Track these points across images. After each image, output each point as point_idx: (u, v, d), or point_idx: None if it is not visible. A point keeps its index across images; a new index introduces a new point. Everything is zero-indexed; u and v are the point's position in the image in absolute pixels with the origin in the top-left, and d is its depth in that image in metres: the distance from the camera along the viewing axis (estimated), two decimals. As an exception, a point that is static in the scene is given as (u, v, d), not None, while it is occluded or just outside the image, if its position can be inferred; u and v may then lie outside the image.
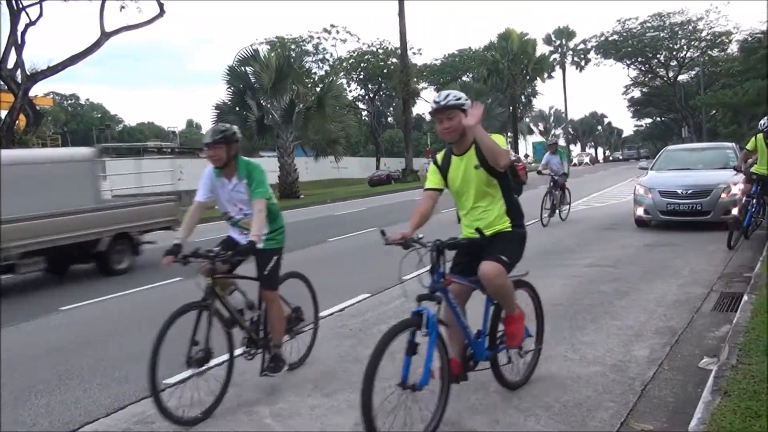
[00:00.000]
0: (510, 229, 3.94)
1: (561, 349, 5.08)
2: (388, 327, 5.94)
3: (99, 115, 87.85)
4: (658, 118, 77.82)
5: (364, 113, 61.13)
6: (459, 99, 3.75)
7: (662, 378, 4.34)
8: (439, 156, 4.10)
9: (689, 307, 6.18)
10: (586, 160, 72.72)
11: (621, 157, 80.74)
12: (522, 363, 4.35)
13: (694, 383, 4.15)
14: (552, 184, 13.85)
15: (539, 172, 14.96)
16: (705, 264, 8.31)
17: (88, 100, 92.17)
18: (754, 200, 9.38)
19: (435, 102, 3.79)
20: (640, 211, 12.11)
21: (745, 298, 5.68)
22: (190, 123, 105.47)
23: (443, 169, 4.02)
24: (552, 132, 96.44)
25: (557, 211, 13.98)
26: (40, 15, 24.19)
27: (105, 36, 24.49)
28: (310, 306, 5.28)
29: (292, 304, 5.04)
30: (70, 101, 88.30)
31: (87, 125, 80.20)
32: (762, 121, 9.44)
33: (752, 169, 9.53)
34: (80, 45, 52.07)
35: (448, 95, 3.77)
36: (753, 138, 9.72)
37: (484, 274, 3.76)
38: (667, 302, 6.42)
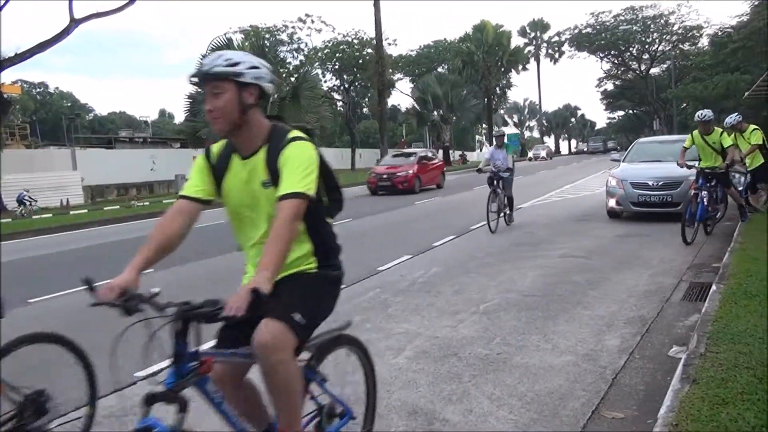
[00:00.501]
0: (314, 271, 2.65)
1: (534, 339, 5.12)
2: (362, 318, 5.97)
3: (69, 104, 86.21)
4: (631, 111, 78.71)
5: (340, 104, 60.84)
6: (234, 64, 2.39)
7: (633, 367, 4.40)
8: (216, 147, 2.66)
9: (659, 296, 6.28)
10: (543, 153, 62.89)
11: (586, 150, 76.30)
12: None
13: (664, 371, 4.22)
14: (496, 182, 11.92)
15: (479, 171, 13.06)
16: (675, 254, 8.44)
17: (57, 88, 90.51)
18: (704, 192, 9.28)
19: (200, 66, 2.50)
20: (612, 203, 12.25)
21: (714, 287, 5.77)
22: (162, 113, 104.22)
23: (218, 171, 2.61)
24: (526, 124, 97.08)
25: (503, 214, 12.15)
26: (7, 0, 23.61)
27: (74, 23, 23.99)
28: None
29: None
30: (38, 89, 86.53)
31: (56, 114, 78.64)
32: (697, 114, 9.63)
33: (699, 165, 9.56)
34: (49, 32, 51.00)
35: (217, 57, 2.44)
36: (690, 135, 9.85)
37: (257, 342, 2.40)
38: (638, 292, 6.51)
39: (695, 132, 9.74)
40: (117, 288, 2.41)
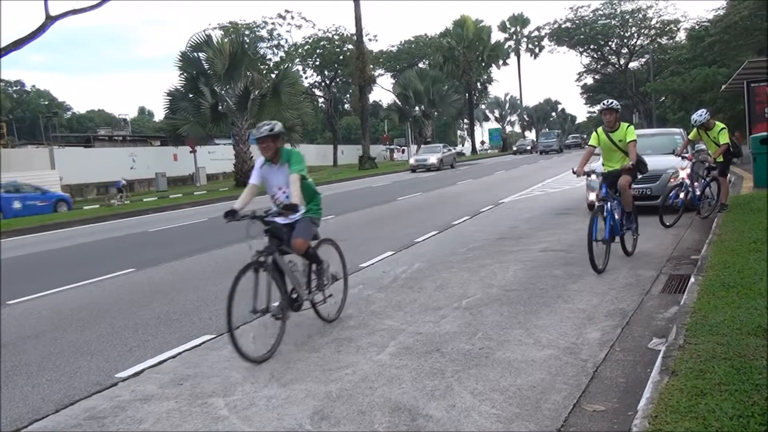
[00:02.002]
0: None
1: (516, 333, 5.15)
2: (345, 315, 5.98)
3: (46, 103, 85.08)
4: (610, 105, 79.15)
5: (321, 100, 60.68)
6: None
7: (613, 359, 4.44)
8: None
9: (639, 289, 6.34)
10: (528, 147, 61.19)
11: (528, 148, 62.41)
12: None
13: (644, 363, 4.27)
14: None
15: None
16: (654, 247, 8.52)
17: (34, 86, 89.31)
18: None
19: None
20: (592, 197, 12.31)
21: (692, 280, 5.84)
22: (142, 110, 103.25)
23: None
24: (507, 119, 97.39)
25: None
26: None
27: (50, 20, 23.65)
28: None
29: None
30: (14, 88, 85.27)
31: (33, 113, 77.60)
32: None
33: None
34: (25, 29, 50.25)
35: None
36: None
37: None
38: (618, 285, 6.57)
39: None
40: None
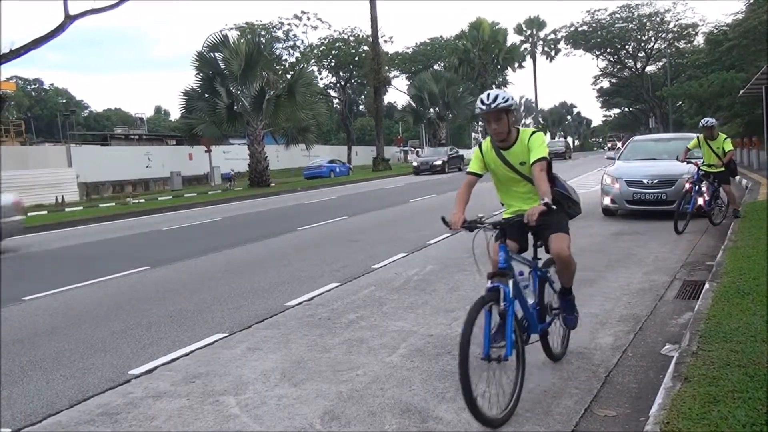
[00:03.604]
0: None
1: (528, 336, 5.12)
2: (356, 316, 5.99)
3: (64, 101, 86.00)
4: (627, 109, 78.88)
5: (336, 101, 60.83)
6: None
7: (626, 365, 4.42)
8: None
9: (653, 294, 6.30)
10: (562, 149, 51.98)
11: (562, 151, 51.34)
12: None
13: (657, 369, 4.24)
14: None
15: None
16: (669, 252, 8.46)
17: (52, 85, 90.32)
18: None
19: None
20: (606, 201, 12.28)
21: (707, 286, 5.79)
22: (158, 109, 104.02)
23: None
24: (522, 121, 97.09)
25: None
26: (1, -3, 23.49)
27: (69, 19, 23.89)
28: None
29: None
30: (33, 86, 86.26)
31: (51, 111, 78.43)
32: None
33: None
34: (44, 29, 50.82)
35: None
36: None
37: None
38: (632, 290, 6.53)
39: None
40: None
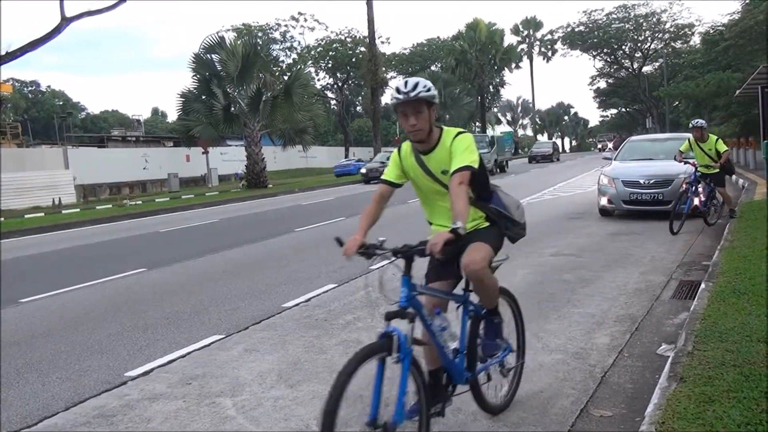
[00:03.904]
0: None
1: (524, 337, 5.13)
2: (353, 317, 5.99)
3: (61, 103, 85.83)
4: (623, 109, 79.00)
5: (333, 102, 60.83)
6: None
7: (622, 365, 4.42)
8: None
9: (649, 294, 6.31)
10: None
11: (549, 152, 49.87)
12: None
13: (652, 369, 4.25)
14: None
15: None
16: (665, 252, 8.48)
17: (49, 87, 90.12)
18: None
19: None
20: (603, 201, 12.30)
21: (703, 285, 5.80)
22: (155, 111, 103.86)
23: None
24: (519, 122, 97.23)
25: None
26: (-3, -1, 23.46)
27: (66, 21, 23.87)
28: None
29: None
30: (30, 88, 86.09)
31: (48, 113, 78.30)
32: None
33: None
34: (40, 30, 50.73)
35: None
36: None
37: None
38: (629, 290, 6.54)
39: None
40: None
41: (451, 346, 3.26)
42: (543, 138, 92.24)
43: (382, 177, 3.54)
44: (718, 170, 10.14)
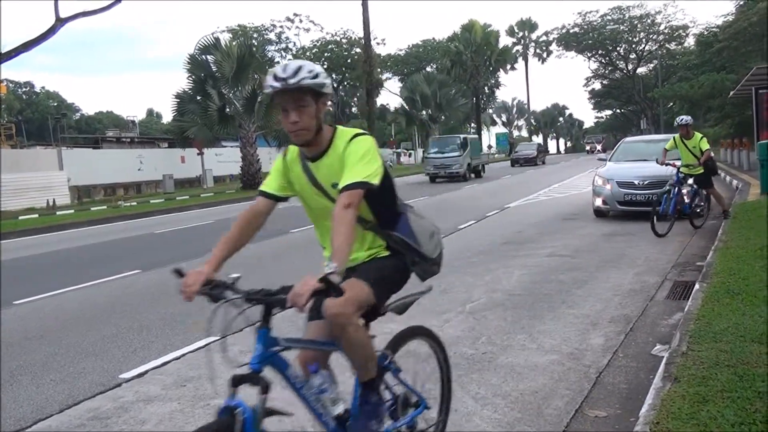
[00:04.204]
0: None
1: (519, 338, 5.15)
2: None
3: (55, 104, 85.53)
4: (618, 110, 79.24)
5: (328, 103, 60.79)
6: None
7: (616, 365, 4.43)
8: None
9: (644, 295, 6.33)
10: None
11: (533, 155, 45.30)
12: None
13: (647, 370, 4.26)
14: None
15: None
16: (660, 253, 8.51)
17: (43, 88, 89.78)
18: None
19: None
20: (598, 202, 12.33)
21: (697, 286, 5.83)
22: (150, 112, 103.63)
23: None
24: (515, 123, 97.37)
25: None
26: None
27: (60, 22, 23.80)
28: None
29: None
30: (24, 89, 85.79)
31: (43, 114, 78.01)
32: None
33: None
34: (35, 31, 50.60)
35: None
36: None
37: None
38: (623, 291, 6.56)
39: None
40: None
41: (334, 412, 2.58)
42: (537, 139, 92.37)
43: (260, 187, 2.75)
44: (701, 171, 9.97)
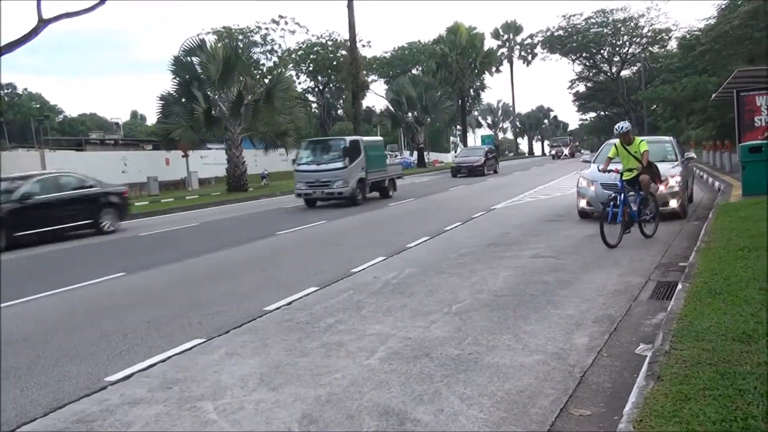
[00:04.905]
0: None
1: (504, 338, 5.18)
2: (335, 320, 6.00)
3: (38, 106, 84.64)
4: (602, 113, 79.76)
5: (314, 105, 60.73)
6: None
7: (601, 365, 4.48)
8: None
9: (628, 295, 6.39)
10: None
11: (478, 164, 34.84)
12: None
13: (631, 369, 4.31)
14: None
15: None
16: (643, 254, 8.59)
17: (26, 89, 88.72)
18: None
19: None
20: (582, 203, 12.42)
21: (680, 286, 5.90)
22: (134, 114, 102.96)
23: None
24: (500, 125, 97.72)
25: None
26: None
27: (43, 23, 23.60)
28: None
29: None
30: (6, 90, 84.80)
31: (25, 116, 77.23)
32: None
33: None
34: (17, 32, 50.12)
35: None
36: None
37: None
38: (607, 291, 6.62)
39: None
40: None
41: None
42: (522, 141, 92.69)
43: None
44: (641, 174, 9.62)
